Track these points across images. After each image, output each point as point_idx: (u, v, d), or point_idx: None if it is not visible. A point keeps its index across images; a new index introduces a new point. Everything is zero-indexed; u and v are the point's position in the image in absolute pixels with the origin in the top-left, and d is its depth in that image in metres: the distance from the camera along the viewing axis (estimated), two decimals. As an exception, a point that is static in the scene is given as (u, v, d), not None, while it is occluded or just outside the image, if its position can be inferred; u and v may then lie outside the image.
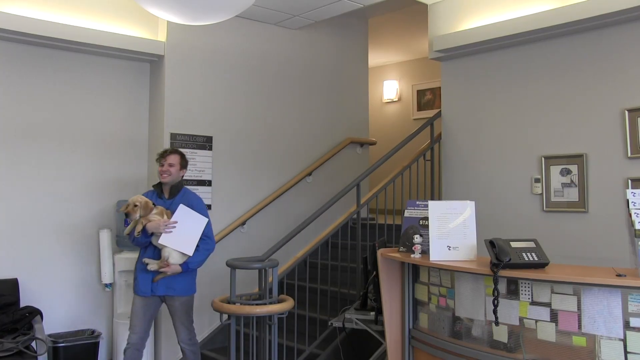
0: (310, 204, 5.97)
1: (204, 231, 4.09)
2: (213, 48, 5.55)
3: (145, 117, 5.54)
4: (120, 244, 5.14)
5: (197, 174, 5.41)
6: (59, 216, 5.04)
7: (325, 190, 6.12)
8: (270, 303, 4.07)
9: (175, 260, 4.03)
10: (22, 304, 4.72)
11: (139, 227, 3.99)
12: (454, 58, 5.24)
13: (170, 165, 4.14)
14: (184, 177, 4.55)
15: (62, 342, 4.69)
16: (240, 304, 4.08)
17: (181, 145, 5.31)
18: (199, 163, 5.42)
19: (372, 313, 3.83)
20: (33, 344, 4.38)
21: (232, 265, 4.18)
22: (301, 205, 6.00)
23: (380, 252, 3.46)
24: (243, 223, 5.61)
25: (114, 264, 5.08)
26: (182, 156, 4.23)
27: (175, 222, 4.00)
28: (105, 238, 5.06)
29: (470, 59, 5.14)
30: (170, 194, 4.20)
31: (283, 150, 6.01)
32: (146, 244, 4.09)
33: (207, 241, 4.13)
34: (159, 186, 4.24)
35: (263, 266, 4.21)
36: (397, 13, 6.63)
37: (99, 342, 4.89)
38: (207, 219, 4.11)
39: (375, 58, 8.41)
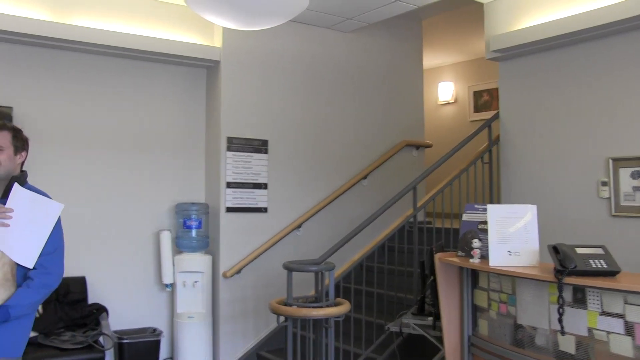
0: (365, 207, 5.96)
1: (43, 251, 2.62)
2: (267, 52, 5.62)
3: (202, 121, 5.65)
4: (179, 245, 5.26)
5: (253, 177, 5.48)
6: (122, 218, 5.22)
7: (380, 193, 6.10)
8: (327, 306, 4.08)
9: None
10: (90, 301, 4.93)
11: None
12: (512, 58, 5.14)
13: None
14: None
15: (127, 339, 4.84)
16: (297, 306, 4.11)
17: (237, 148, 5.40)
18: (255, 166, 5.50)
19: (430, 318, 3.80)
20: (100, 338, 4.55)
21: (289, 268, 4.21)
22: (357, 208, 6.00)
23: (437, 256, 3.43)
24: (299, 226, 5.65)
25: (173, 265, 5.20)
26: (15, 133, 2.76)
27: (11, 210, 2.60)
28: (166, 239, 5.19)
29: (528, 58, 5.03)
30: (4, 192, 2.67)
31: (338, 153, 6.02)
32: None
33: (42, 272, 2.60)
34: None
35: (319, 269, 4.23)
36: (451, 13, 6.56)
37: (160, 340, 5.02)
38: (62, 205, 2.74)
39: (430, 59, 8.33)
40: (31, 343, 4.32)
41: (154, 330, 5.12)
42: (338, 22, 5.79)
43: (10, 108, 4.66)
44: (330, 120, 6.00)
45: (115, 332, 4.91)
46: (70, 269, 4.86)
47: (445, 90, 8.75)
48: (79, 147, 5.05)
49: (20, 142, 2.77)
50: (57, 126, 4.97)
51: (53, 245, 2.65)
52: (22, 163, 2.83)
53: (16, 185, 2.65)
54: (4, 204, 2.61)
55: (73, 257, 4.91)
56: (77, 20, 4.86)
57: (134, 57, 5.25)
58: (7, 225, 2.57)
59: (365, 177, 6.11)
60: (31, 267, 2.57)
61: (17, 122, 4.65)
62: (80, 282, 4.93)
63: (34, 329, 4.40)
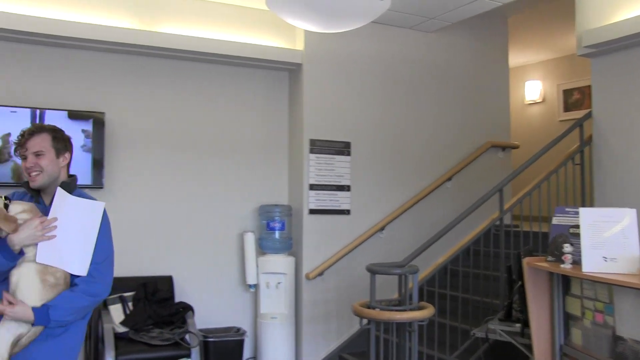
0: (450, 209, 5.84)
1: (92, 261, 2.44)
2: (349, 54, 5.62)
3: (285, 124, 5.72)
4: (263, 246, 5.34)
5: (336, 179, 5.49)
6: (207, 220, 5.35)
7: (465, 195, 5.95)
8: (411, 309, 4.02)
9: (27, 295, 2.30)
10: (177, 300, 5.08)
11: (6, 228, 2.29)
12: (606, 53, 4.89)
13: (38, 154, 2.45)
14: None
15: (212, 337, 4.96)
16: (380, 309, 4.07)
17: (320, 150, 5.42)
18: (337, 168, 5.50)
19: (518, 325, 3.66)
20: (186, 336, 4.68)
21: (372, 271, 4.18)
22: (440, 210, 5.89)
23: (526, 260, 3.30)
24: (382, 228, 5.61)
25: (257, 266, 5.28)
26: (55, 134, 2.53)
27: (55, 220, 2.38)
28: (250, 241, 5.28)
29: (624, 53, 4.76)
30: (52, 199, 2.47)
31: (421, 155, 5.93)
32: (5, 274, 2.34)
33: (88, 280, 2.41)
34: (28, 186, 2.53)
35: (403, 272, 4.17)
36: (538, 9, 6.32)
37: (244, 339, 5.11)
38: (103, 203, 2.55)
39: (516, 58, 8.07)
40: (122, 338, 4.55)
41: (238, 329, 5.22)
42: (420, 22, 5.71)
43: (103, 114, 4.88)
44: (412, 122, 5.92)
45: (201, 330, 5.03)
46: (159, 269, 5.08)
47: (533, 89, 8.44)
48: (167, 150, 5.23)
49: (62, 143, 2.54)
50: (146, 131, 5.16)
51: (103, 254, 2.47)
52: (68, 165, 2.59)
53: (59, 190, 2.44)
54: (47, 212, 2.40)
55: (161, 256, 5.13)
56: (163, 28, 5.05)
57: (218, 62, 5.38)
58: (54, 237, 2.35)
59: (449, 179, 5.99)
60: (85, 274, 2.39)
61: (108, 127, 4.90)
62: (168, 281, 5.10)
63: (125, 324, 4.63)
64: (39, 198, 2.51)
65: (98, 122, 4.81)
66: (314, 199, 5.40)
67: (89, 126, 4.78)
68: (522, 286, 3.39)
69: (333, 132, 5.53)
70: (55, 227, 2.37)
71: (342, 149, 5.55)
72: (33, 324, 2.28)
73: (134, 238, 5.06)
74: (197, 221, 5.32)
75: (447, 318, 4.73)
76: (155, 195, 5.15)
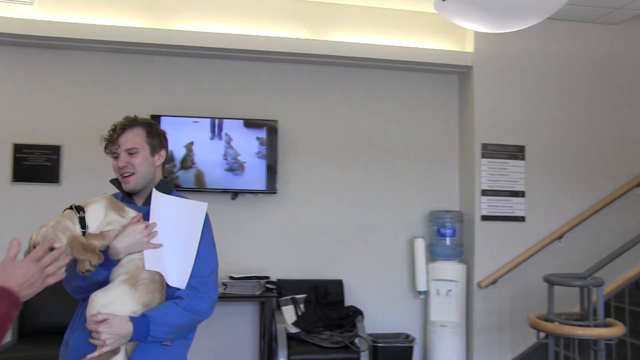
0: (639, 218, 5.30)
1: (198, 274, 2.12)
2: (522, 54, 5.34)
3: (455, 128, 5.58)
4: (434, 253, 5.25)
5: (509, 184, 5.25)
6: (377, 225, 5.37)
7: (658, 203, 5.37)
8: (596, 326, 3.70)
9: (120, 307, 1.96)
10: (346, 304, 5.14)
11: (92, 260, 1.90)
12: None
13: (131, 152, 2.19)
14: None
15: (381, 342, 4.95)
16: (560, 323, 3.80)
17: (492, 155, 5.21)
18: (511, 173, 5.26)
19: None
20: (356, 340, 4.73)
21: (550, 281, 3.92)
22: (628, 219, 5.36)
23: None
24: (560, 237, 5.24)
25: (427, 273, 5.20)
26: (149, 129, 2.26)
27: (154, 225, 2.11)
28: (420, 247, 5.21)
29: None
30: (146, 200, 2.24)
31: (605, 157, 5.45)
32: (100, 283, 2.03)
33: (196, 295, 2.09)
34: (119, 186, 2.27)
35: (585, 284, 3.86)
36: None
37: (413, 346, 5.04)
38: (205, 204, 2.24)
39: None
40: (294, 338, 4.71)
41: (407, 336, 5.16)
42: (603, 15, 5.26)
43: (276, 121, 5.11)
44: (593, 122, 5.46)
45: (370, 335, 5.05)
46: (329, 272, 5.20)
47: None
48: (337, 156, 5.33)
49: (157, 139, 2.26)
50: (317, 137, 5.31)
51: (210, 266, 2.16)
52: (163, 165, 2.32)
53: (155, 191, 2.18)
54: (147, 213, 2.13)
55: (332, 260, 5.25)
56: (332, 37, 5.18)
57: (386, 68, 5.39)
58: (160, 245, 2.07)
59: (639, 185, 5.44)
60: (184, 287, 2.08)
61: (281, 134, 5.12)
62: (338, 284, 5.19)
63: (297, 325, 4.79)
64: (131, 199, 2.24)
65: (271, 129, 5.05)
66: (486, 205, 5.20)
67: (263, 134, 5.03)
68: None
69: (506, 136, 5.29)
70: (156, 232, 2.09)
71: (516, 152, 5.29)
72: (132, 339, 1.94)
73: (306, 242, 5.23)
74: (367, 226, 5.36)
75: (640, 338, 4.29)
76: (326, 200, 5.29)
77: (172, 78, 5.09)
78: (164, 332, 1.98)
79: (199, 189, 4.90)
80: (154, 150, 2.23)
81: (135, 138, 2.19)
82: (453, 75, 5.58)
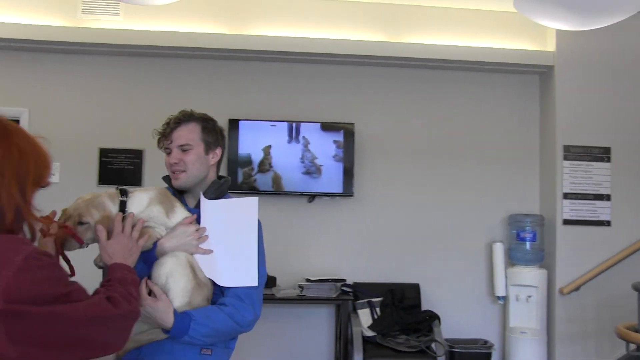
0: None
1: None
2: (607, 51, 5.13)
3: (536, 129, 5.42)
4: (513, 257, 5.12)
5: (593, 187, 5.06)
6: (454, 228, 5.29)
7: None
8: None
9: (175, 292, 1.88)
10: (423, 308, 5.09)
11: (146, 242, 1.87)
12: None
13: (184, 148, 2.06)
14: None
15: (458, 348, 4.86)
16: (651, 333, 3.62)
17: (575, 157, 5.03)
18: (595, 176, 5.07)
19: None
20: (432, 345, 4.68)
21: (640, 289, 3.75)
22: None
23: None
24: (649, 242, 5.00)
25: (506, 278, 5.07)
26: (205, 124, 2.13)
27: (204, 230, 1.99)
28: (498, 251, 5.10)
29: None
30: (197, 202, 2.12)
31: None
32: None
33: (240, 305, 1.97)
34: (171, 184, 2.15)
35: (679, 293, 3.66)
36: None
37: (491, 352, 4.93)
38: (256, 199, 2.08)
39: None
40: (370, 341, 4.70)
41: (485, 342, 5.05)
42: (698, 8, 4.97)
43: (353, 124, 5.11)
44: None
45: (447, 340, 4.97)
46: (405, 276, 5.17)
47: None
48: (414, 159, 5.28)
49: (213, 136, 2.12)
50: (394, 140, 5.28)
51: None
52: (219, 164, 2.18)
53: (203, 198, 2.04)
54: (198, 214, 2.03)
55: (408, 264, 5.21)
56: (409, 39, 5.14)
57: (463, 69, 5.31)
58: (210, 251, 1.96)
59: None
60: (257, 284, 1.99)
61: (358, 137, 5.12)
62: (415, 288, 5.14)
63: (373, 328, 4.78)
64: (181, 198, 2.11)
65: (348, 132, 5.06)
66: (569, 209, 5.02)
67: (340, 137, 5.05)
68: None
69: (590, 137, 5.10)
70: (207, 237, 1.97)
71: (601, 154, 5.08)
72: (168, 332, 1.84)
73: (382, 245, 5.21)
74: (444, 230, 5.29)
75: None
76: (402, 203, 5.25)
77: (250, 82, 5.20)
78: (203, 334, 1.87)
79: (277, 192, 4.98)
80: (208, 148, 2.09)
81: (189, 134, 2.06)
82: (533, 75, 5.42)
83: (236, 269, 1.99)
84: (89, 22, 4.92)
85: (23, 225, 1.33)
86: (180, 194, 2.11)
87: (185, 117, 2.08)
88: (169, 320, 1.81)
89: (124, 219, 1.83)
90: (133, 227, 1.82)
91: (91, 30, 4.89)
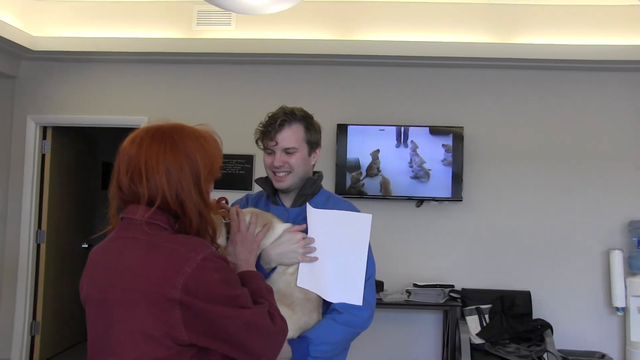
0: None
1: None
2: None
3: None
4: (633, 266, 4.84)
5: None
6: (567, 234, 5.08)
7: None
8: None
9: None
10: (534, 316, 4.93)
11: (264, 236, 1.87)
12: None
13: (289, 151, 2.02)
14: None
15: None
16: None
17: None
18: None
19: None
20: (544, 355, 4.52)
21: None
22: None
23: None
24: None
25: (625, 287, 4.81)
26: (308, 124, 2.07)
27: (311, 240, 1.94)
28: (617, 259, 4.84)
29: None
30: (295, 200, 2.10)
31: None
32: None
33: (353, 306, 1.94)
34: (268, 184, 2.12)
35: None
36: None
37: (609, 366, 4.71)
38: (369, 215, 1.98)
39: None
40: (478, 349, 4.60)
41: (603, 355, 4.81)
42: None
43: (462, 128, 5.03)
44: None
45: (560, 351, 4.78)
46: (516, 283, 5.03)
47: None
48: (525, 162, 5.12)
49: (315, 135, 2.07)
50: (504, 143, 5.14)
51: (367, 272, 1.98)
52: (314, 164, 2.14)
53: (309, 207, 1.98)
54: (297, 216, 2.03)
55: (519, 271, 5.06)
56: (523, 39, 4.98)
57: (579, 69, 5.09)
58: (316, 259, 1.91)
59: None
60: (361, 302, 1.92)
61: (467, 140, 5.04)
62: (525, 296, 4.97)
63: (482, 336, 4.68)
64: (276, 198, 2.10)
65: (457, 136, 4.98)
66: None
67: (449, 141, 4.98)
68: None
69: None
70: (314, 248, 1.92)
71: None
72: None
73: (492, 251, 5.09)
74: (558, 236, 5.09)
75: None
76: (513, 208, 5.10)
77: (358, 87, 5.24)
78: (324, 351, 1.86)
79: (385, 196, 4.98)
80: (311, 149, 2.07)
81: (294, 135, 2.01)
82: (654, 73, 5.11)
83: (343, 285, 1.93)
84: (203, 33, 5.14)
85: (207, 227, 1.50)
86: (274, 194, 2.10)
87: (289, 118, 2.02)
88: (287, 352, 1.79)
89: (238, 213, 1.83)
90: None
91: (205, 40, 5.11)
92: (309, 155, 2.05)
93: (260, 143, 2.06)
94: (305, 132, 2.03)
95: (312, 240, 1.92)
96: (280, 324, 1.52)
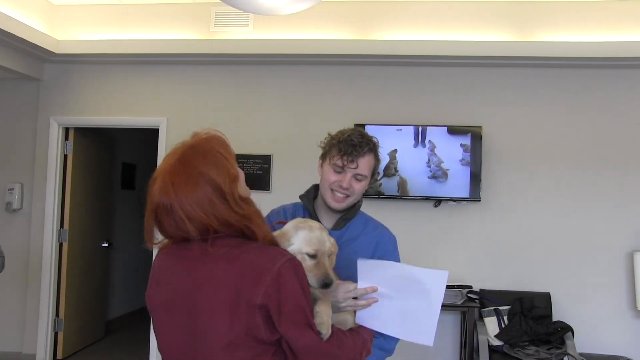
0: None
1: None
2: None
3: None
4: (656, 269, 4.77)
5: None
6: (589, 236, 5.01)
7: None
8: None
9: None
10: (554, 319, 4.87)
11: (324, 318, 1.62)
12: None
13: (359, 178, 2.06)
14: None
15: (594, 363, 4.63)
16: None
17: None
18: None
19: None
20: (565, 358, 4.46)
21: None
22: None
23: None
24: None
25: (649, 290, 4.74)
26: (377, 155, 2.12)
27: (374, 289, 1.83)
28: (640, 261, 4.77)
29: None
30: (337, 222, 2.13)
31: None
32: None
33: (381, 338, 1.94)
34: (309, 199, 2.19)
35: None
36: None
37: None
38: (446, 272, 1.84)
39: None
40: (496, 351, 4.56)
41: None
42: None
43: (480, 128, 4.99)
44: None
45: (581, 354, 4.71)
46: (536, 284, 4.97)
47: None
48: (546, 163, 5.06)
49: (377, 164, 2.14)
50: (523, 143, 5.09)
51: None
52: None
53: (360, 263, 1.84)
54: (340, 237, 2.03)
55: (538, 272, 5.00)
56: (540, 37, 4.93)
57: (597, 66, 5.02)
58: (375, 300, 1.83)
59: None
60: (432, 344, 1.84)
61: (486, 140, 5.01)
62: (545, 298, 4.91)
63: (500, 338, 4.63)
64: (315, 214, 2.14)
65: (476, 136, 4.95)
66: None
67: (467, 140, 4.95)
68: None
69: None
70: (376, 299, 1.82)
71: None
72: None
73: (511, 252, 5.04)
74: (578, 236, 5.01)
75: None
76: (533, 209, 5.04)
77: (376, 87, 5.23)
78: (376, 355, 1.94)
79: (402, 196, 4.96)
80: (372, 177, 2.12)
81: (367, 164, 2.06)
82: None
83: (415, 325, 1.85)
84: (220, 34, 5.19)
85: (256, 231, 1.57)
86: (312, 209, 2.15)
87: (370, 147, 2.06)
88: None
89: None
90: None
91: (223, 41, 5.15)
92: (369, 184, 2.11)
93: (331, 158, 2.07)
94: (375, 163, 2.10)
95: (363, 292, 1.81)
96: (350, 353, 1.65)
